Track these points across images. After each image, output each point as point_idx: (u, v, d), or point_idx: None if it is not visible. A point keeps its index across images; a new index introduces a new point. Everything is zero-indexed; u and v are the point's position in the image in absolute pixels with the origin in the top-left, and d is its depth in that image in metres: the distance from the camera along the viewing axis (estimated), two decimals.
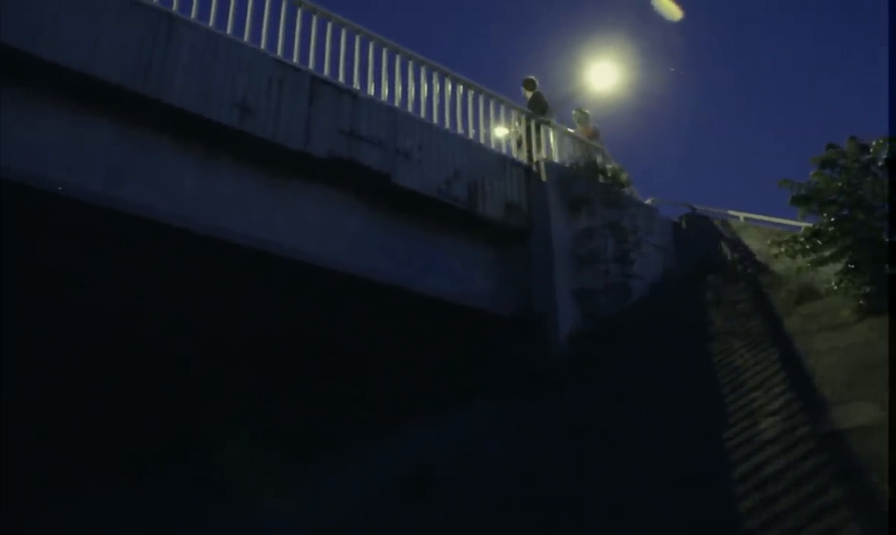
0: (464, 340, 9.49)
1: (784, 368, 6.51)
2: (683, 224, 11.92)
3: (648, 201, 12.13)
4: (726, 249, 10.85)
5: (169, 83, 7.27)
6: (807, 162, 7.68)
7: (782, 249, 7.91)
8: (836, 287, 7.26)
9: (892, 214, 6.97)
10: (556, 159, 10.61)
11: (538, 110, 11.32)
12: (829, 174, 7.52)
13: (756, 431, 5.70)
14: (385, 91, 9.13)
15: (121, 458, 9.59)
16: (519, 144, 10.61)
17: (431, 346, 9.35)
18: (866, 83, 43.04)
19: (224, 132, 7.63)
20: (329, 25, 8.73)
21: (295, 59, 8.32)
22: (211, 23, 7.79)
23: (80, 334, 8.89)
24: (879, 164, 7.30)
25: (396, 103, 9.19)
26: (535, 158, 10.38)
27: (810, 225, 7.72)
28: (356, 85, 8.82)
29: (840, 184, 7.41)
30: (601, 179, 10.43)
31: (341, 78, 8.71)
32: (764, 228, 10.41)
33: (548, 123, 11.12)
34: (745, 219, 11.02)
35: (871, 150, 7.40)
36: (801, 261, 7.77)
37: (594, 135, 12.26)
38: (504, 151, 10.48)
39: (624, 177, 10.88)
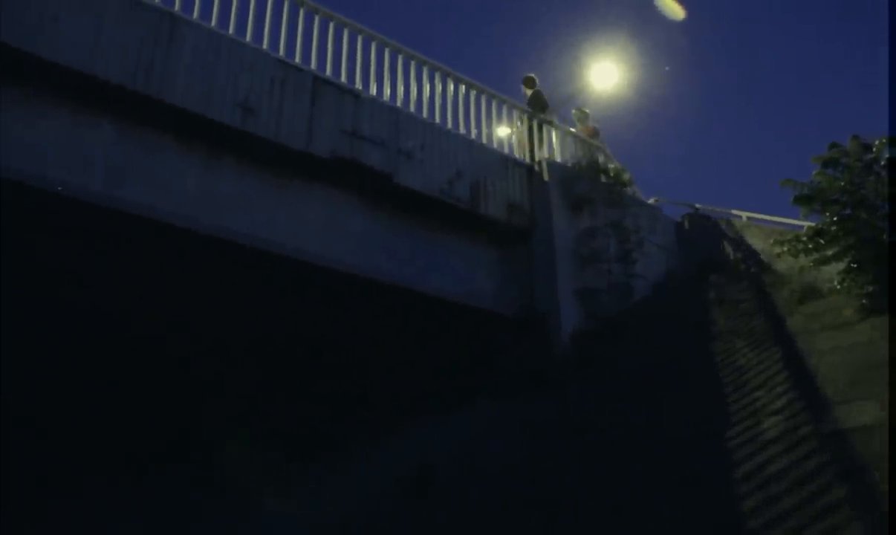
0: (466, 340, 9.49)
1: (787, 367, 6.50)
2: (686, 224, 11.91)
3: (651, 201, 12.12)
4: (729, 249, 10.84)
5: (171, 83, 7.28)
6: (808, 161, 7.68)
7: (785, 249, 7.90)
8: (838, 286, 7.24)
9: (892, 214, 6.95)
10: (558, 159, 10.60)
11: (538, 108, 11.32)
12: (832, 173, 7.51)
13: (759, 430, 5.69)
14: (387, 91, 9.14)
15: (121, 458, 9.59)
16: (521, 144, 10.61)
17: (434, 346, 9.34)
18: (868, 83, 43.00)
19: (226, 132, 7.64)
20: (331, 25, 8.74)
21: (297, 60, 8.33)
22: (213, 23, 7.80)
23: (81, 334, 8.90)
24: (882, 163, 7.28)
25: (398, 103, 9.19)
26: (537, 158, 10.38)
27: (813, 224, 7.70)
28: (358, 85, 8.82)
29: (843, 183, 7.39)
30: (603, 178, 10.42)
31: (343, 78, 8.72)
32: (766, 228, 10.39)
33: (550, 123, 11.12)
34: (748, 218, 11.01)
35: (874, 149, 7.39)
36: (803, 260, 7.75)
37: (594, 134, 12.27)
38: (506, 150, 10.48)
39: (626, 176, 10.88)
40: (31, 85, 6.71)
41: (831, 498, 4.58)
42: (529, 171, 10.22)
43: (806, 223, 8.02)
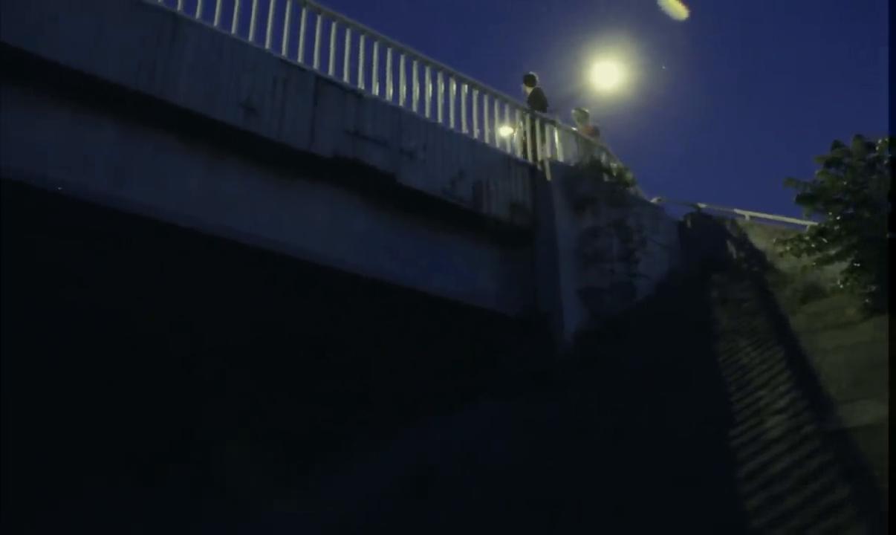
0: (469, 339, 9.49)
1: (790, 366, 6.51)
2: (689, 223, 11.89)
3: (654, 200, 12.11)
4: (732, 248, 10.83)
5: (174, 83, 7.28)
6: (810, 161, 7.68)
7: (788, 248, 7.90)
8: (841, 286, 7.24)
9: (893, 213, 6.95)
10: (560, 159, 10.60)
11: (538, 107, 11.31)
12: (835, 173, 7.51)
13: (762, 429, 5.70)
14: (390, 91, 9.14)
15: (122, 458, 9.59)
16: (524, 144, 10.60)
17: (436, 346, 9.34)
18: (871, 83, 42.94)
19: (229, 132, 7.64)
20: (334, 25, 8.73)
21: (300, 59, 8.33)
22: (215, 23, 7.80)
23: (83, 334, 8.89)
24: (885, 162, 7.28)
25: (401, 103, 9.19)
26: (539, 158, 10.38)
27: (816, 224, 7.70)
28: (361, 85, 8.82)
29: (845, 182, 7.40)
30: (606, 178, 10.42)
31: (346, 78, 8.72)
32: (769, 227, 10.38)
33: (552, 123, 11.12)
34: (751, 218, 10.99)
35: (877, 148, 7.39)
36: (806, 259, 7.76)
37: (594, 134, 12.27)
38: (509, 150, 10.47)
39: (629, 176, 10.88)
40: (31, 85, 6.70)
41: (834, 498, 4.58)
42: (532, 170, 10.22)
43: (809, 223, 8.02)
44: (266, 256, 7.89)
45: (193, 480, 9.09)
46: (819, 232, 7.52)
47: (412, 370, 9.17)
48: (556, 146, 10.82)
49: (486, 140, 9.98)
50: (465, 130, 9.74)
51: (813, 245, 7.56)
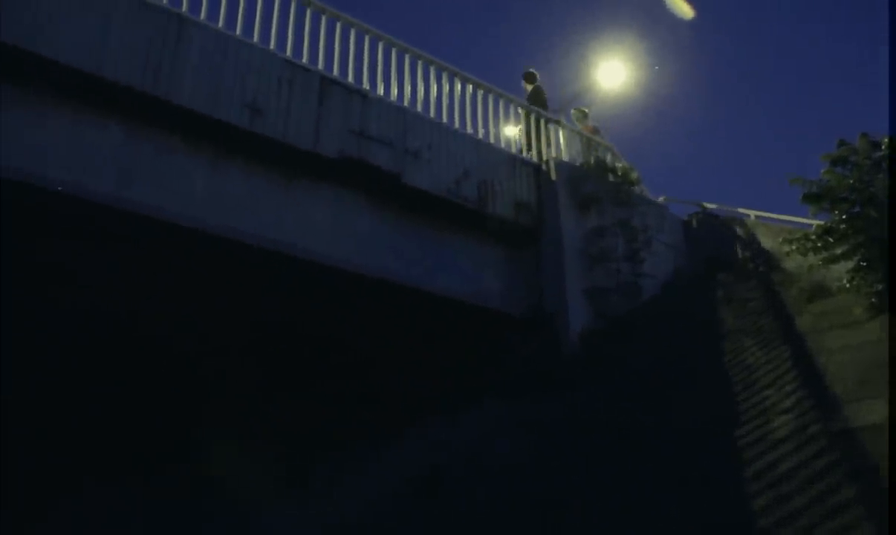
0: (474, 339, 9.48)
1: (796, 366, 6.49)
2: (694, 222, 11.87)
3: (659, 200, 12.08)
4: (737, 248, 10.81)
5: (179, 84, 7.29)
6: (810, 161, 7.66)
7: (794, 247, 7.87)
8: (848, 285, 7.21)
9: (892, 212, 6.92)
10: (565, 158, 10.59)
11: (538, 104, 11.28)
12: (841, 171, 7.47)
13: (768, 429, 5.68)
14: (394, 91, 9.14)
15: (124, 458, 9.58)
16: (529, 143, 10.59)
17: (441, 346, 9.34)
18: (873, 83, 42.84)
19: (234, 133, 7.65)
20: (338, 25, 8.73)
21: (304, 60, 8.33)
22: (220, 23, 7.81)
23: (86, 334, 8.89)
24: (885, 164, 7.25)
25: (406, 103, 9.18)
26: (544, 157, 10.36)
27: (822, 223, 7.67)
28: (366, 85, 8.82)
29: (852, 181, 7.36)
30: (611, 177, 10.40)
31: (351, 78, 8.72)
32: (775, 226, 10.36)
33: (557, 122, 11.11)
34: (756, 217, 10.97)
35: (883, 147, 7.35)
36: (812, 259, 7.72)
37: (594, 133, 12.25)
38: (514, 150, 10.47)
39: (634, 175, 10.85)
40: (31, 85, 6.71)
41: (841, 497, 4.56)
42: (537, 170, 10.20)
43: (815, 222, 8.00)
44: (270, 256, 7.90)
45: (196, 480, 9.08)
46: (825, 231, 7.49)
47: (417, 370, 9.17)
48: (560, 146, 10.81)
49: (491, 140, 9.98)
50: (469, 129, 9.73)
51: (819, 244, 7.53)
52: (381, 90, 9.01)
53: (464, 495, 6.66)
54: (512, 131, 10.79)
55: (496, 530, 5.97)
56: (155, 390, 9.65)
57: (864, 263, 7.05)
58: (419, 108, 9.29)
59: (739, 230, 11.04)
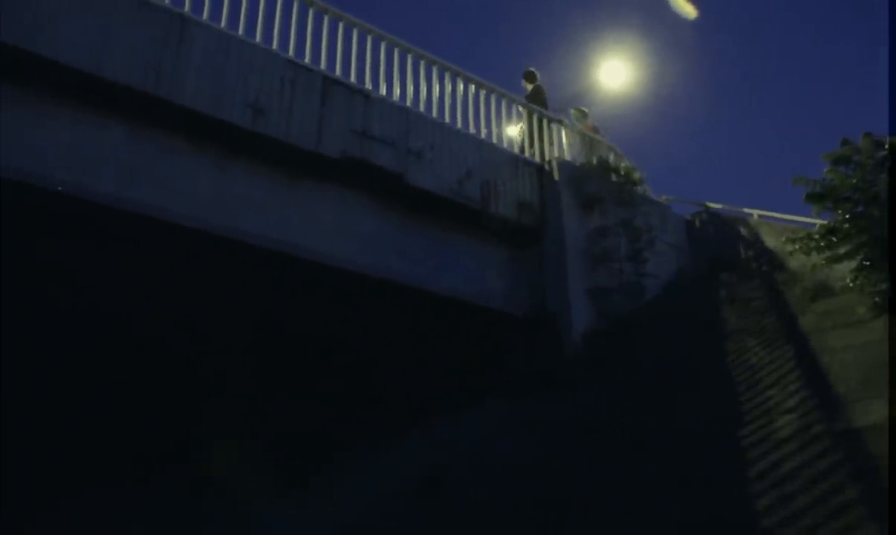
0: (477, 339, 9.48)
1: (799, 365, 6.47)
2: (697, 222, 11.86)
3: (662, 200, 12.07)
4: (740, 247, 10.80)
5: (181, 85, 7.30)
6: (811, 160, 7.67)
7: (797, 247, 7.86)
8: (851, 284, 7.20)
9: (892, 212, 6.90)
10: (567, 158, 10.58)
11: (538, 103, 11.28)
12: (844, 171, 7.46)
13: (771, 429, 5.67)
14: (397, 91, 9.14)
15: (126, 459, 9.59)
16: (532, 143, 10.58)
17: (444, 346, 9.34)
18: (875, 83, 42.80)
19: (237, 133, 7.65)
20: (341, 25, 8.74)
21: (307, 60, 8.33)
22: (223, 24, 7.81)
23: (86, 334, 8.89)
24: (885, 165, 7.24)
25: (408, 103, 9.18)
26: (547, 157, 10.36)
27: (825, 222, 7.66)
28: (368, 85, 8.83)
29: (855, 181, 7.35)
30: (614, 177, 10.40)
31: (353, 78, 8.72)
32: (778, 226, 10.34)
33: (560, 122, 11.10)
34: (759, 216, 10.96)
35: (887, 146, 7.34)
36: (815, 258, 7.71)
37: (594, 133, 12.25)
38: (516, 150, 10.47)
39: (637, 175, 10.84)
40: (31, 85, 6.71)
41: (845, 497, 4.56)
42: (539, 170, 10.20)
43: (818, 221, 7.98)
44: (274, 256, 7.90)
45: (196, 480, 9.09)
46: (828, 230, 7.48)
47: (419, 370, 9.17)
48: (563, 145, 10.81)
49: (494, 140, 9.98)
50: (472, 129, 9.73)
51: (822, 244, 7.52)
52: (383, 90, 9.01)
53: (466, 495, 6.65)
54: (515, 131, 10.79)
55: (499, 530, 5.97)
56: (155, 390, 9.66)
57: (868, 263, 7.04)
58: (422, 108, 9.29)
59: (742, 230, 11.02)
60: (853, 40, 42.58)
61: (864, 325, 6.61)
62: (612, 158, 11.13)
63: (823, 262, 7.60)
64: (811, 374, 6.22)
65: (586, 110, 12.94)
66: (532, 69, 12.15)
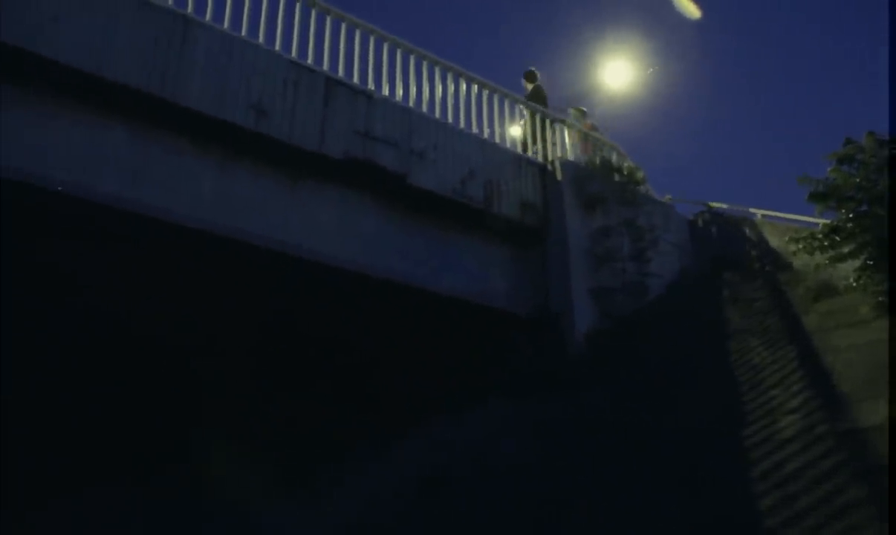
0: (479, 339, 9.47)
1: (802, 365, 6.47)
2: (700, 222, 11.86)
3: (664, 199, 12.07)
4: (744, 247, 10.79)
5: (185, 86, 7.30)
6: (811, 160, 7.67)
7: (800, 246, 7.85)
8: (854, 284, 7.19)
9: (892, 210, 6.89)
10: (570, 158, 10.58)
11: (539, 103, 11.28)
12: (847, 170, 7.45)
13: (774, 429, 5.66)
14: (399, 91, 9.14)
15: (125, 459, 9.58)
16: (534, 142, 10.57)
17: (447, 346, 9.33)
18: (876, 83, 42.74)
19: (240, 134, 7.66)
20: (343, 26, 8.74)
21: (309, 61, 8.34)
22: (226, 25, 7.82)
23: (86, 334, 8.89)
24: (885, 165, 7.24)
25: (411, 104, 9.19)
26: (549, 157, 10.36)
27: (828, 221, 7.65)
28: (371, 86, 8.83)
29: (858, 180, 7.34)
30: (616, 177, 10.40)
31: (356, 79, 8.72)
32: (781, 225, 10.34)
33: (563, 122, 11.10)
34: (763, 216, 10.95)
35: (888, 144, 7.33)
36: (819, 258, 7.71)
37: (593, 131, 12.26)
38: (519, 150, 10.46)
39: (639, 175, 10.84)
40: (31, 85, 6.71)
41: (848, 498, 4.55)
42: (542, 170, 10.20)
43: (821, 220, 7.98)
44: (277, 257, 7.91)
45: (196, 480, 9.09)
46: (832, 230, 7.47)
47: (422, 371, 9.16)
48: (566, 145, 10.80)
49: (497, 140, 9.97)
50: (475, 129, 9.73)
51: (825, 243, 7.51)
52: (386, 91, 9.01)
53: (469, 494, 6.64)
54: (517, 131, 10.79)
55: (501, 530, 5.96)
56: (155, 390, 9.65)
57: (871, 262, 7.03)
58: (424, 108, 9.29)
59: (746, 229, 11.02)
60: (857, 39, 42.56)
61: (867, 324, 6.60)
62: (614, 157, 11.13)
63: (827, 261, 7.59)
64: (814, 374, 6.21)
65: (585, 110, 12.96)
66: (532, 69, 12.17)
